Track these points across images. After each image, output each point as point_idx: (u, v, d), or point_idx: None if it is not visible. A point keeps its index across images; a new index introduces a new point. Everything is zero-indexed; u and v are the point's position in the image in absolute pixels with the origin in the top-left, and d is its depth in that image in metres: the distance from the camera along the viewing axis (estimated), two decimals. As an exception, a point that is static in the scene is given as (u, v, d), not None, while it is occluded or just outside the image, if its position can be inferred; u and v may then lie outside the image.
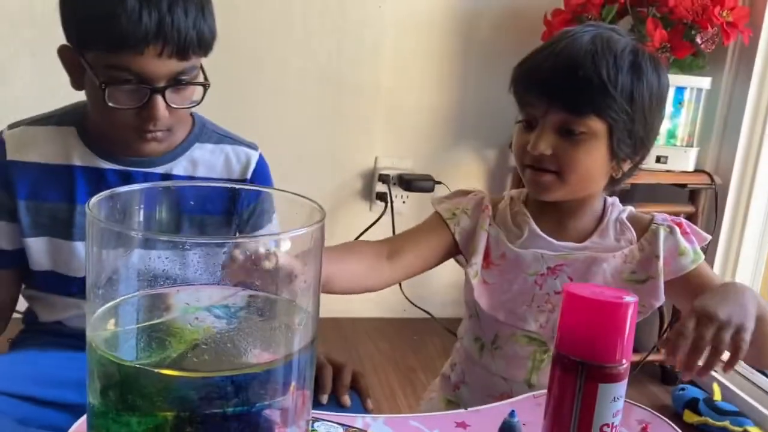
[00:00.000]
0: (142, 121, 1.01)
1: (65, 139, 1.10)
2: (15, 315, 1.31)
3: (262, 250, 0.52)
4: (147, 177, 1.11)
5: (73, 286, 1.12)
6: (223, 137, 1.19)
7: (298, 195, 0.59)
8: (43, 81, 2.07)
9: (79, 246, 1.10)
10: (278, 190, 0.63)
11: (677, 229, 1.05)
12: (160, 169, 1.12)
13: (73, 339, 1.11)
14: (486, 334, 1.11)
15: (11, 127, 1.11)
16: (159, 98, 0.99)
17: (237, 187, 1.18)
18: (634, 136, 1.00)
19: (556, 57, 0.98)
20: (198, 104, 1.08)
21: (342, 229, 2.39)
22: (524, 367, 1.07)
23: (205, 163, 1.15)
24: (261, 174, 1.20)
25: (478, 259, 1.08)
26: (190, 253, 0.51)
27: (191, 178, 1.13)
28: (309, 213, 0.56)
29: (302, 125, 2.39)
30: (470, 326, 1.14)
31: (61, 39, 1.05)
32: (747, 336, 0.86)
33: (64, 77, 1.07)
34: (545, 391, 0.73)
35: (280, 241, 0.53)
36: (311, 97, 2.37)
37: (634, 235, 1.07)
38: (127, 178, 1.11)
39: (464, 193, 1.16)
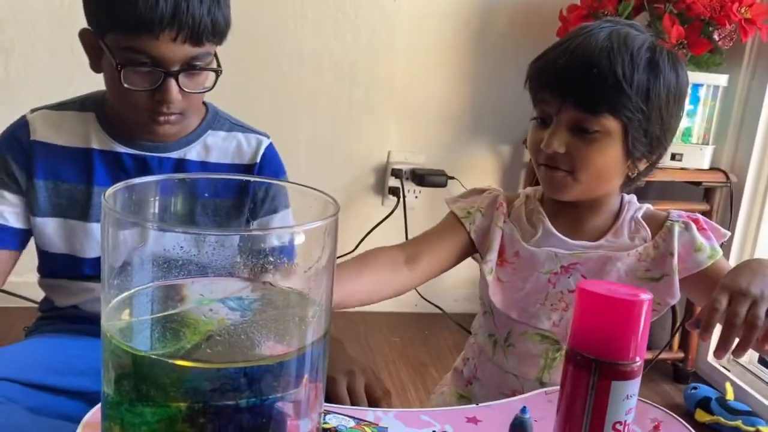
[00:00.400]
0: (155, 104, 1.04)
1: (85, 123, 1.13)
2: (31, 305, 1.32)
3: (276, 242, 0.52)
4: (162, 162, 1.14)
5: (87, 268, 1.14)
6: (235, 125, 1.22)
7: (312, 188, 0.59)
8: (60, 70, 2.09)
9: (95, 227, 1.12)
10: (292, 183, 0.63)
11: (693, 225, 1.04)
12: (174, 155, 1.15)
13: (89, 323, 1.14)
14: (499, 330, 1.10)
15: (34, 111, 1.15)
16: (172, 81, 1.02)
17: (252, 179, 1.19)
18: (650, 135, 0.99)
19: (571, 54, 0.97)
20: (210, 90, 1.10)
21: (354, 223, 2.39)
22: (536, 365, 1.07)
23: (218, 149, 1.18)
24: (270, 158, 1.22)
25: (492, 256, 1.08)
26: (204, 243, 0.51)
27: (204, 163, 1.16)
28: (323, 206, 0.57)
29: (316, 119, 2.39)
30: (484, 322, 1.14)
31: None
32: None
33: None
34: (557, 387, 0.73)
35: (293, 234, 0.53)
36: (325, 91, 2.37)
37: (649, 233, 1.06)
38: (142, 163, 1.14)
39: (479, 191, 1.16)
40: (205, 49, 1.04)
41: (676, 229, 1.04)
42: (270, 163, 1.21)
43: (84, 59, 1.10)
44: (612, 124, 0.96)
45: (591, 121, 0.96)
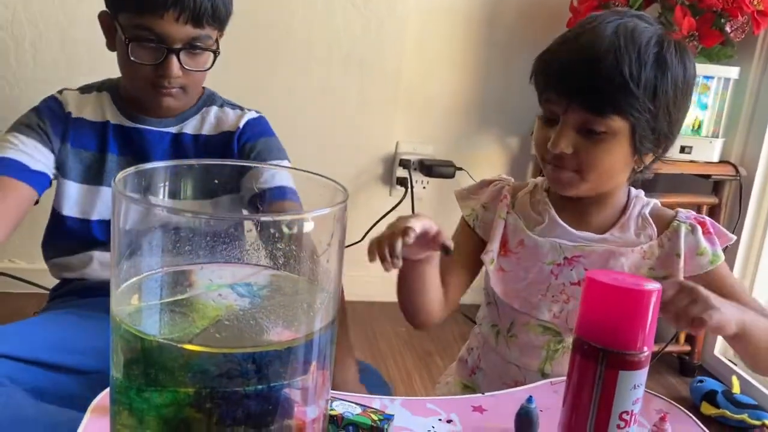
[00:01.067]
0: (158, 77, 1.17)
1: (102, 102, 1.29)
2: (42, 291, 1.33)
3: (285, 228, 0.52)
4: (162, 136, 1.28)
5: (96, 231, 1.25)
6: (227, 102, 1.34)
7: (321, 176, 0.59)
8: (70, 61, 2.10)
9: (106, 190, 1.25)
10: (301, 170, 0.63)
11: (699, 228, 1.03)
12: (173, 129, 1.28)
13: (95, 292, 1.23)
14: (502, 321, 1.11)
15: (60, 91, 1.29)
16: (174, 58, 1.15)
17: (249, 165, 1.23)
18: (657, 132, 0.97)
19: (577, 52, 0.95)
20: (208, 69, 1.22)
21: (362, 213, 2.39)
22: (538, 357, 1.07)
23: (210, 122, 1.30)
24: (254, 123, 1.32)
25: (494, 246, 1.08)
26: (214, 229, 0.52)
27: (197, 136, 1.29)
28: (332, 193, 0.57)
29: (324, 109, 2.39)
30: (488, 313, 1.15)
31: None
32: (715, 315, 0.81)
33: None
34: (563, 378, 0.73)
35: (302, 220, 0.53)
36: (334, 82, 2.37)
37: (655, 231, 1.05)
38: (145, 136, 1.27)
39: (487, 183, 1.16)
40: (205, 31, 1.16)
41: (683, 230, 1.03)
42: (252, 127, 1.31)
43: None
44: (619, 124, 0.95)
45: (598, 122, 0.95)
